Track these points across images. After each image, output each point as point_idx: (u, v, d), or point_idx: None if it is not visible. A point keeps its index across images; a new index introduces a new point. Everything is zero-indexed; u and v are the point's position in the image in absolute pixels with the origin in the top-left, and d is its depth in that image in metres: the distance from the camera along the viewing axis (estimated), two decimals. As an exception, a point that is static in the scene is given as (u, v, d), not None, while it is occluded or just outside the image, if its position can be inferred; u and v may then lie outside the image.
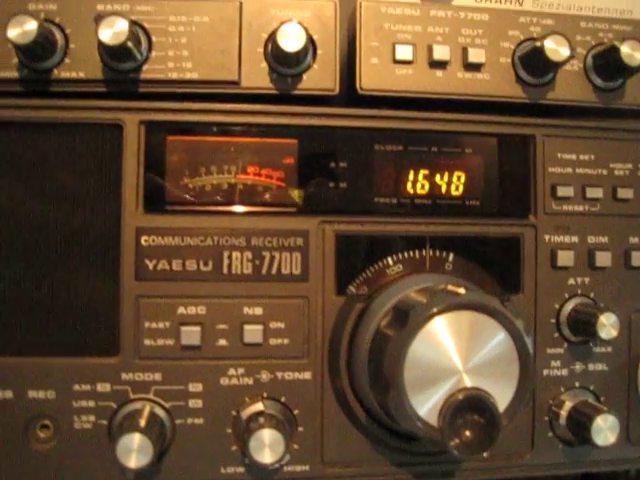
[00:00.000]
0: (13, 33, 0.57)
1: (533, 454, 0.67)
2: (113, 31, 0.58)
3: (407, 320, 0.55)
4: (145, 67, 0.62)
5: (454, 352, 0.55)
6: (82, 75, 0.61)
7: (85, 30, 0.61)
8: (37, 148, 0.61)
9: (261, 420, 0.59)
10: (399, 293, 0.61)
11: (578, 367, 0.67)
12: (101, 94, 0.62)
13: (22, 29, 0.57)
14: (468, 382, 0.54)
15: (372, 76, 0.64)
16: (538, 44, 0.63)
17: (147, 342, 0.61)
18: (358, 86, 0.64)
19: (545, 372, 0.67)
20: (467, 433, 0.54)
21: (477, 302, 0.56)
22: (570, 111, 0.68)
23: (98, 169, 0.61)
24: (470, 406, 0.54)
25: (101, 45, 0.59)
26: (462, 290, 0.57)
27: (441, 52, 0.64)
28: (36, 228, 0.61)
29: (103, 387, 0.61)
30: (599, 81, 0.67)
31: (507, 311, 0.56)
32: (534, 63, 0.64)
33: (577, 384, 0.67)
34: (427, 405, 0.55)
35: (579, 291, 0.67)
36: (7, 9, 0.59)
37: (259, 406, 0.61)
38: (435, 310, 0.55)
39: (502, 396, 0.55)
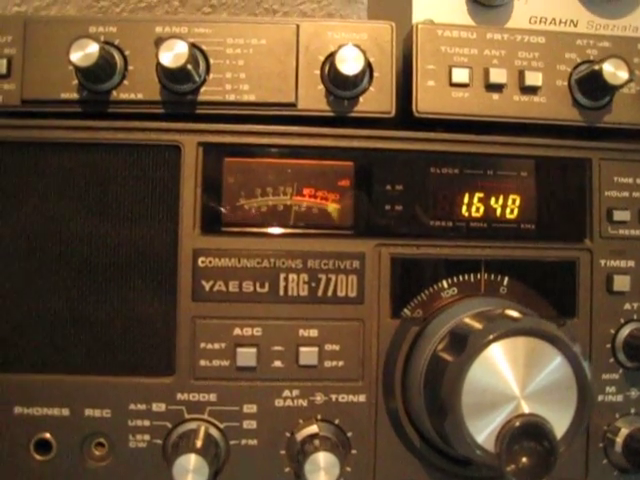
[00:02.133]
0: (76, 57, 0.58)
1: (587, 481, 0.66)
2: (173, 54, 0.58)
3: (466, 345, 0.55)
4: (203, 89, 0.62)
5: (511, 378, 0.54)
6: (140, 97, 0.62)
7: (144, 52, 0.62)
8: (96, 169, 0.62)
9: (316, 443, 0.59)
10: (454, 317, 0.61)
11: (634, 393, 0.66)
12: (159, 116, 0.62)
13: (84, 52, 0.58)
14: (526, 408, 0.54)
15: (428, 99, 0.64)
16: (596, 67, 0.62)
17: (202, 363, 0.61)
18: (414, 109, 0.64)
19: (600, 398, 0.66)
20: (524, 459, 0.53)
21: (535, 328, 0.55)
22: (627, 134, 0.68)
23: (156, 190, 0.62)
24: (527, 432, 0.53)
25: (160, 67, 0.60)
26: (519, 315, 0.57)
27: (497, 75, 0.64)
28: (95, 248, 0.61)
29: (158, 407, 0.61)
30: (657, 104, 0.66)
31: (564, 336, 0.56)
32: (592, 86, 0.64)
33: (632, 411, 0.66)
34: (484, 431, 0.54)
35: (635, 316, 0.66)
36: (69, 32, 0.60)
37: (313, 428, 0.61)
38: (494, 336, 0.54)
39: (559, 422, 0.55)
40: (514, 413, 0.54)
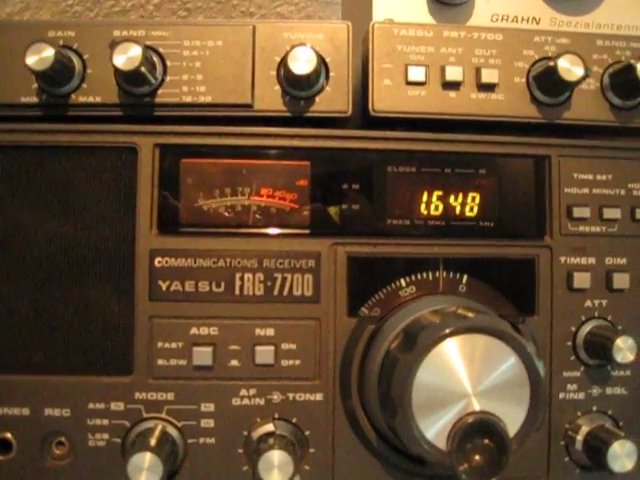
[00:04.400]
0: (31, 60, 0.59)
1: (549, 479, 0.66)
2: (127, 57, 0.59)
3: (415, 343, 0.55)
4: (160, 91, 0.63)
5: (464, 375, 0.54)
6: (99, 99, 0.63)
7: (102, 56, 0.62)
8: (55, 171, 0.63)
9: (271, 441, 0.59)
10: (411, 315, 0.61)
11: (595, 391, 0.66)
12: (118, 118, 0.63)
13: (39, 56, 0.59)
14: (477, 406, 0.54)
15: (384, 98, 0.64)
16: (551, 64, 0.62)
17: (160, 362, 0.62)
18: (370, 108, 0.64)
19: (561, 395, 0.65)
20: (476, 457, 0.53)
21: (486, 325, 0.55)
22: (587, 131, 0.68)
23: (114, 191, 0.63)
24: (479, 430, 0.53)
25: (116, 70, 0.60)
26: (472, 313, 0.57)
27: (454, 73, 0.64)
28: (53, 249, 0.62)
29: (117, 406, 0.62)
30: (616, 100, 0.66)
31: (517, 335, 0.56)
32: (548, 83, 0.64)
33: (594, 408, 0.66)
34: (436, 428, 0.54)
35: (596, 313, 0.66)
36: (28, 37, 0.61)
37: (270, 427, 0.62)
38: (443, 334, 0.55)
39: (513, 420, 0.55)
40: (465, 411, 0.54)
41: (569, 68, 0.62)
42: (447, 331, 0.55)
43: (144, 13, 0.87)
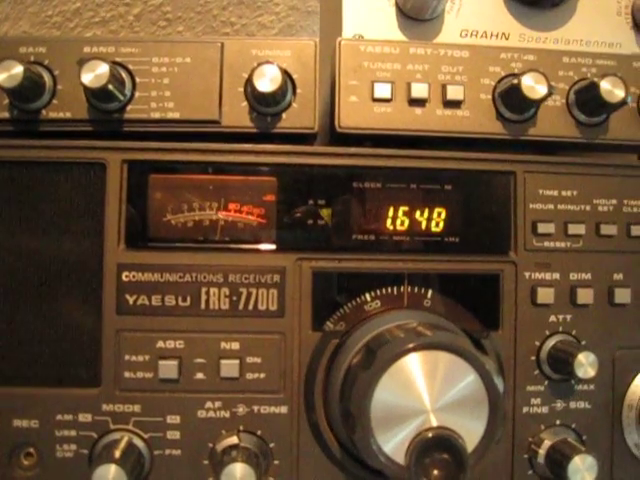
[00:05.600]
0: (0, 77, 0.60)
1: (512, 492, 0.66)
2: (94, 74, 0.60)
3: (374, 360, 0.56)
4: (129, 107, 0.64)
5: (423, 391, 0.55)
6: (69, 115, 0.64)
7: (72, 72, 0.63)
8: (24, 185, 0.63)
9: (234, 453, 0.60)
10: (373, 330, 0.62)
11: (559, 405, 0.66)
12: (87, 133, 0.64)
13: (8, 73, 0.60)
14: (434, 422, 0.54)
15: (351, 114, 0.65)
16: (515, 81, 0.63)
17: (127, 374, 0.63)
18: (337, 124, 0.65)
19: (525, 409, 0.66)
20: (435, 472, 0.54)
21: (445, 342, 0.56)
22: (554, 147, 0.68)
23: (82, 206, 0.63)
24: (438, 445, 0.54)
25: (85, 87, 0.61)
26: (431, 331, 0.58)
27: (419, 90, 0.65)
28: (21, 262, 0.63)
29: (84, 417, 0.63)
30: (582, 117, 0.66)
31: (477, 352, 0.56)
32: (513, 100, 0.64)
33: (558, 422, 0.66)
34: (394, 443, 0.55)
35: (560, 328, 0.66)
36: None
37: (234, 439, 0.62)
38: (402, 350, 0.55)
39: (471, 436, 0.55)
40: (424, 426, 0.54)
41: (532, 86, 0.62)
42: (406, 347, 0.55)
43: (124, 23, 0.87)
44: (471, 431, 0.55)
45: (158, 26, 0.89)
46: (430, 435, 0.54)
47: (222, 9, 0.91)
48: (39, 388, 0.63)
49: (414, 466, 0.53)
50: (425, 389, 0.55)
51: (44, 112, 0.64)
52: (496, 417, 0.56)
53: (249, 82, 0.63)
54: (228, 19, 0.93)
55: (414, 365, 0.55)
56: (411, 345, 0.55)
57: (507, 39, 0.73)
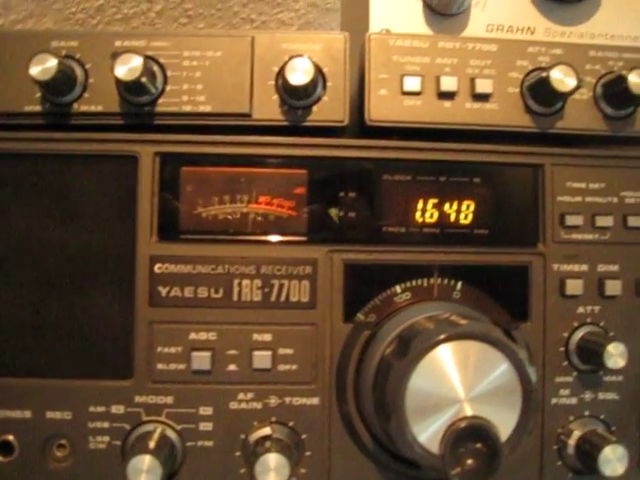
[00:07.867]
0: (34, 70, 0.60)
1: (541, 483, 0.67)
2: (128, 67, 0.60)
3: (409, 349, 0.56)
4: (160, 100, 0.64)
5: (456, 381, 0.55)
6: (100, 108, 0.64)
7: (103, 65, 0.63)
8: (56, 179, 0.64)
9: (267, 444, 0.60)
10: (405, 321, 0.62)
11: (588, 396, 0.67)
12: (119, 127, 0.64)
13: (42, 67, 0.60)
14: (469, 411, 0.55)
15: (380, 107, 0.65)
16: (544, 74, 0.63)
17: (160, 366, 0.63)
18: (367, 117, 0.65)
19: (554, 400, 0.66)
20: (469, 462, 0.54)
21: (478, 332, 0.56)
22: (581, 140, 0.69)
23: (115, 199, 0.64)
24: (472, 435, 0.54)
25: (117, 81, 0.62)
26: (465, 320, 0.58)
27: (449, 83, 0.65)
28: (55, 255, 0.63)
29: (117, 409, 0.63)
30: (609, 110, 0.67)
31: (509, 341, 0.57)
32: (542, 93, 0.65)
33: (587, 413, 0.67)
34: (429, 433, 0.55)
35: (589, 320, 0.67)
36: (32, 47, 0.62)
37: (267, 430, 0.63)
38: (436, 340, 0.56)
39: (505, 425, 0.55)
40: (458, 416, 0.55)
41: (562, 79, 0.63)
42: (440, 337, 0.56)
43: (146, 20, 0.88)
44: (504, 421, 0.56)
45: (179, 23, 0.90)
46: (464, 425, 0.54)
47: (242, 6, 0.92)
48: (72, 380, 0.63)
49: (448, 455, 0.53)
50: (459, 378, 0.56)
51: (76, 105, 0.64)
52: (529, 406, 0.56)
53: (280, 75, 0.64)
54: (248, 16, 0.93)
55: (448, 354, 0.56)
56: (445, 334, 0.56)
57: (533, 33, 0.73)
